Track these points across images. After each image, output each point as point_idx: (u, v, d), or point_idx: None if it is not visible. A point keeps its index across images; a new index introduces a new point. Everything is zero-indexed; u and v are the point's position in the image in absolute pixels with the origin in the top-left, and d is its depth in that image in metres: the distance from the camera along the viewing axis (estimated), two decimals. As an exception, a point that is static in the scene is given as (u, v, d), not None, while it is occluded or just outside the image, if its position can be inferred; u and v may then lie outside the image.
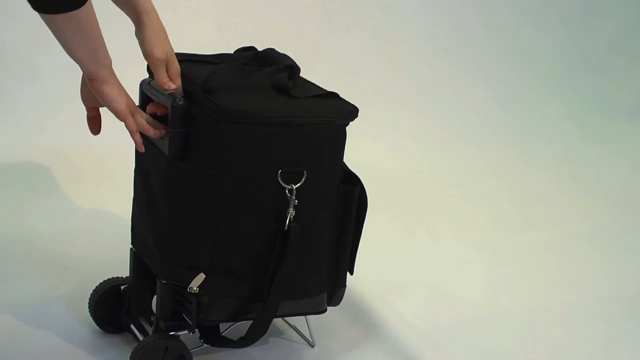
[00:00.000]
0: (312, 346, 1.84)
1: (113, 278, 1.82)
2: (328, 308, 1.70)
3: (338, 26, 3.11)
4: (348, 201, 1.65)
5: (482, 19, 3.30)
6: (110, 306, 1.81)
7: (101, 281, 1.80)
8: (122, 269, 1.82)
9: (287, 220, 1.53)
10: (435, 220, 2.48)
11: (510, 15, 3.33)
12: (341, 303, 1.73)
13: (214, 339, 1.68)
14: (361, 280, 1.93)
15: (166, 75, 1.55)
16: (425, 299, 2.08)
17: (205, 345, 1.69)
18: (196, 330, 1.65)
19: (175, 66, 1.56)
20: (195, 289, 1.57)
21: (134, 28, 1.56)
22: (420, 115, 3.02)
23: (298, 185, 1.53)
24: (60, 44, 1.44)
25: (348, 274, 1.73)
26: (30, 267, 2.05)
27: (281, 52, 1.72)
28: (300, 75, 1.68)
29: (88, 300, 1.81)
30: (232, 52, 1.79)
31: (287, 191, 1.53)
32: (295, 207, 1.53)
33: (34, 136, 2.64)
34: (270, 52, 1.71)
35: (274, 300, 1.57)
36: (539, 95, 3.18)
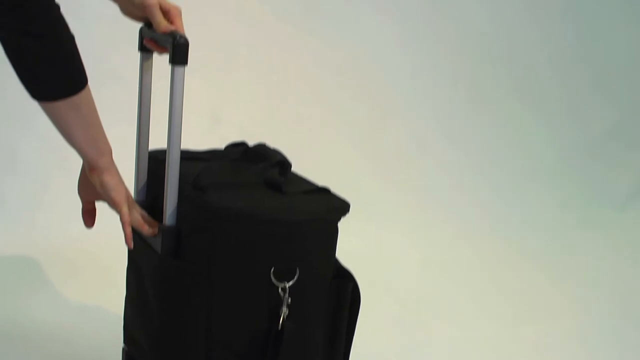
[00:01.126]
0: None
1: None
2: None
3: (327, 119, 3.14)
4: (341, 296, 1.64)
5: (479, 104, 3.32)
6: None
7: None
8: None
9: (281, 319, 1.51)
10: (427, 312, 2.45)
11: (509, 102, 3.35)
12: None
13: None
14: None
15: (163, 18, 1.54)
16: None
17: None
18: None
19: (175, 8, 1.56)
20: None
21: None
22: (413, 204, 3.01)
23: (291, 283, 1.52)
24: (61, 132, 1.45)
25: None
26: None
27: (272, 147, 1.73)
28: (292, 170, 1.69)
29: None
30: (223, 146, 1.80)
31: (280, 289, 1.52)
32: (288, 305, 1.52)
33: (25, 230, 2.64)
34: (261, 147, 1.72)
35: None
36: (535, 183, 3.18)
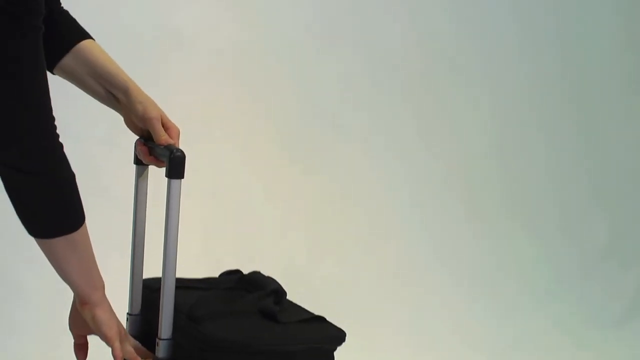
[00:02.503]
0: None
1: None
2: None
3: (315, 238, 3.15)
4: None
5: (473, 224, 3.33)
6: None
7: None
8: None
9: None
10: None
11: (503, 221, 3.36)
12: None
13: None
14: None
15: (164, 132, 1.53)
16: None
17: None
18: None
19: (175, 127, 1.56)
20: None
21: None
22: (406, 327, 2.99)
23: None
24: (54, 266, 1.45)
25: None
26: None
27: (266, 275, 1.73)
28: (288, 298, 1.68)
29: None
30: (218, 273, 1.79)
31: None
32: None
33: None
34: (255, 275, 1.72)
35: None
36: (529, 303, 3.17)
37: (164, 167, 1.52)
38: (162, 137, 1.53)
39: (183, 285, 1.67)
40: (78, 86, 1.57)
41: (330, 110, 3.25)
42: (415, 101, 3.36)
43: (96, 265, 1.49)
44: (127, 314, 1.67)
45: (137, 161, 1.62)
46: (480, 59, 3.44)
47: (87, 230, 1.44)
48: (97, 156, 2.79)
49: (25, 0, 1.31)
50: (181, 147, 1.55)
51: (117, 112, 1.59)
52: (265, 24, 3.14)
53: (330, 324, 1.61)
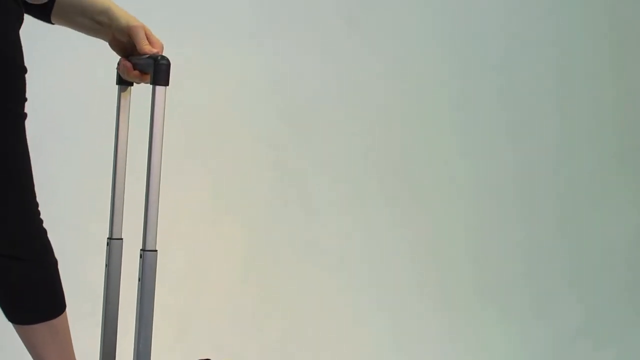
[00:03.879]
0: None
1: None
2: None
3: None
4: None
5: (443, 309, 3.28)
6: None
7: None
8: None
9: None
10: None
11: (473, 306, 3.32)
12: None
13: None
14: None
15: (147, 42, 1.54)
16: None
17: None
18: None
19: (159, 41, 1.56)
20: None
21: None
22: None
23: None
24: (33, 356, 1.43)
25: None
26: None
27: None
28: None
29: None
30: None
31: None
32: None
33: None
34: None
35: None
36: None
37: (148, 81, 1.52)
38: (146, 46, 1.54)
39: None
40: (74, 28, 1.61)
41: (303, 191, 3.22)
42: (388, 180, 3.33)
43: (73, 353, 1.46)
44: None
45: (120, 81, 1.62)
46: (461, 139, 3.44)
47: (66, 318, 1.43)
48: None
49: (6, 88, 1.35)
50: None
51: (104, 38, 1.60)
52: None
53: None
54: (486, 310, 3.33)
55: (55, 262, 1.41)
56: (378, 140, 3.32)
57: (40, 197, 1.43)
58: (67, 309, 1.46)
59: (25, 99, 1.39)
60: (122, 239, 1.65)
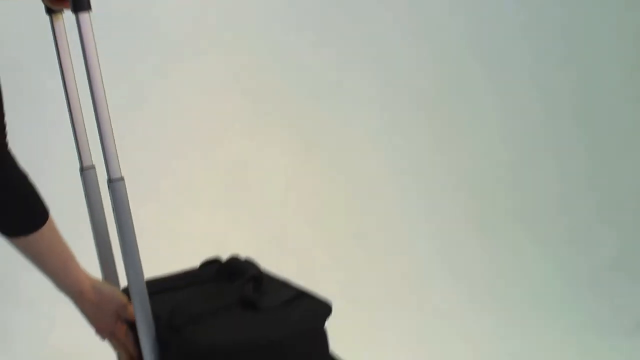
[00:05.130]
0: None
1: None
2: None
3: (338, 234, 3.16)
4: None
5: (483, 235, 3.32)
6: None
7: None
8: None
9: None
10: None
11: (513, 233, 3.35)
12: None
13: None
14: None
15: None
16: None
17: None
18: None
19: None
20: None
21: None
22: (412, 337, 2.92)
23: None
24: (33, 263, 1.48)
25: None
26: None
27: (244, 258, 1.68)
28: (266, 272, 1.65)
29: None
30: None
31: None
32: None
33: None
34: (233, 263, 1.67)
35: None
36: (538, 314, 3.10)
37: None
38: None
39: (161, 287, 1.63)
40: None
41: (341, 112, 3.27)
42: (427, 110, 3.38)
43: (72, 260, 1.49)
44: None
45: (48, 10, 1.62)
46: (491, 72, 3.47)
47: (53, 225, 1.44)
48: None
49: None
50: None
51: None
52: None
53: (314, 298, 1.57)
54: (523, 237, 3.36)
55: (24, 176, 1.40)
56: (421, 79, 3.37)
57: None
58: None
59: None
60: (93, 166, 1.65)
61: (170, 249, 2.78)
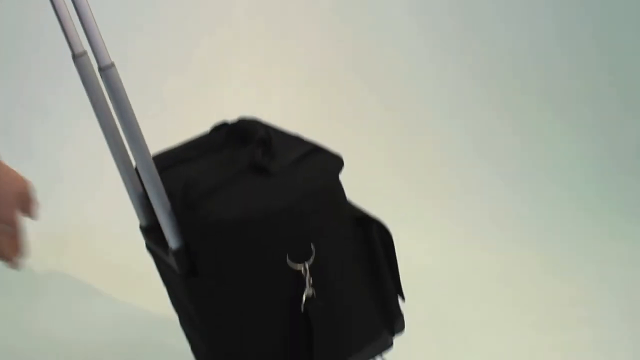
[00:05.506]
0: None
1: None
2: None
3: (360, 129, 3.17)
4: (370, 242, 1.62)
5: (510, 116, 3.31)
6: None
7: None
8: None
9: (303, 301, 1.50)
10: (453, 323, 2.40)
11: (539, 112, 3.34)
12: None
13: None
14: None
15: None
16: None
17: None
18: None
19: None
20: None
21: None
22: (440, 215, 2.94)
23: (311, 261, 1.50)
24: None
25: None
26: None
27: (251, 118, 1.68)
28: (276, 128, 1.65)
29: None
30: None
31: (302, 272, 1.50)
32: (313, 284, 1.50)
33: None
34: (241, 124, 1.66)
35: None
36: (565, 196, 3.09)
37: None
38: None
39: (171, 160, 1.63)
40: None
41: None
42: None
43: None
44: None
45: None
46: None
47: None
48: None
49: None
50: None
51: None
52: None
53: (326, 152, 1.57)
54: (551, 120, 3.34)
55: None
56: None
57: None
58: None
59: None
60: (85, 52, 1.61)
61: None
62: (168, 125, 2.77)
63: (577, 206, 3.00)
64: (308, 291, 1.49)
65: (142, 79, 2.96)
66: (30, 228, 2.27)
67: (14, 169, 1.46)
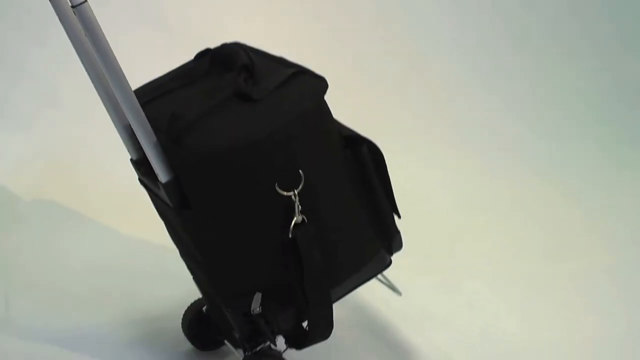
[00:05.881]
0: (400, 294, 1.83)
1: (198, 299, 1.86)
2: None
3: (371, 53, 3.14)
4: (361, 162, 1.60)
5: (518, 51, 3.28)
6: (202, 325, 1.86)
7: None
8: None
9: (291, 227, 1.50)
10: (464, 250, 2.39)
11: (546, 48, 3.30)
12: (373, 330, 1.83)
13: (297, 341, 1.69)
14: (392, 307, 1.99)
15: None
16: (457, 329, 2.04)
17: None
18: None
19: None
20: (257, 309, 1.58)
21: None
22: (451, 146, 2.93)
23: (300, 188, 1.49)
24: None
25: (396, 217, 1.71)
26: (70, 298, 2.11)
27: (233, 43, 1.65)
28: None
29: (181, 320, 1.86)
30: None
31: (292, 198, 1.49)
32: (303, 211, 1.49)
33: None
34: (223, 50, 1.63)
35: (317, 298, 1.56)
36: (573, 127, 3.07)
37: None
38: None
39: (155, 92, 1.61)
40: None
41: None
42: None
43: None
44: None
45: None
46: None
47: None
48: None
49: None
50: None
51: None
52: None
53: (308, 75, 1.54)
54: (556, 53, 3.30)
55: None
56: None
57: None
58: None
59: None
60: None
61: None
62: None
63: (585, 137, 3.00)
64: (297, 218, 1.49)
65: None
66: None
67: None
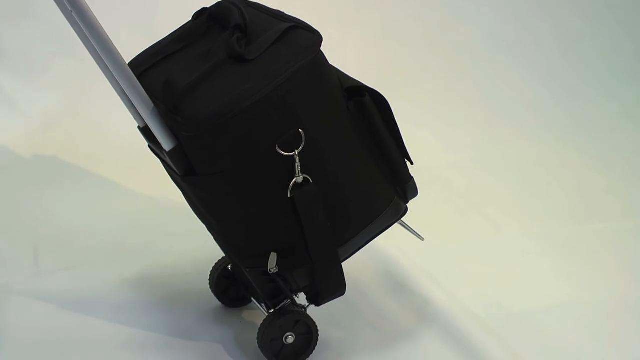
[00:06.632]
0: (422, 239, 1.81)
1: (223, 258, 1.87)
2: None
3: (395, 21, 3.12)
4: (365, 112, 1.58)
5: (542, 16, 3.28)
6: (230, 281, 1.88)
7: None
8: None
9: (290, 187, 1.49)
10: (492, 210, 2.38)
11: (570, 14, 3.29)
12: (397, 288, 1.85)
13: (315, 298, 1.69)
14: (420, 266, 1.99)
15: None
16: (486, 287, 2.02)
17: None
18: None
19: None
20: (274, 268, 1.58)
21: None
22: (475, 108, 2.94)
23: (301, 147, 1.47)
24: None
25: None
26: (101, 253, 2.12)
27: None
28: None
29: (209, 277, 1.88)
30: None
31: (294, 157, 1.47)
32: (306, 169, 1.48)
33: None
34: (219, 9, 1.60)
35: (322, 257, 1.57)
36: (595, 90, 3.07)
37: None
38: None
39: (153, 59, 1.59)
40: None
41: None
42: None
43: None
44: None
45: None
46: None
47: None
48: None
49: None
50: None
51: None
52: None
53: (301, 29, 1.50)
54: (580, 24, 3.30)
55: None
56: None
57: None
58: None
59: None
60: None
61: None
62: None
63: (609, 101, 3.01)
64: (298, 178, 1.47)
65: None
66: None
67: None
